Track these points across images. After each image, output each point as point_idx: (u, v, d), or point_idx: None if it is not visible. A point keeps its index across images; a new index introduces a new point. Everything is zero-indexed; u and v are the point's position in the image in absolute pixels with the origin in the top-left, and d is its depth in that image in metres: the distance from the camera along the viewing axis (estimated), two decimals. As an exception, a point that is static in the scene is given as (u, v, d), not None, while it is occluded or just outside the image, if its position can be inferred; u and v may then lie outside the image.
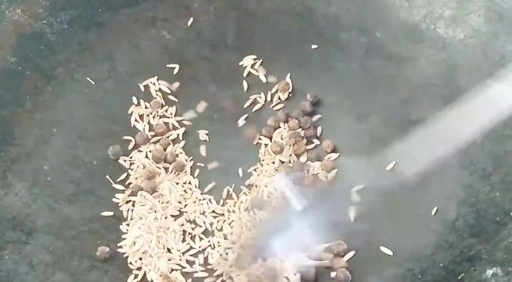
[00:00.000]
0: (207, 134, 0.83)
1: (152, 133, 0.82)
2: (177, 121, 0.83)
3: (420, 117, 0.79)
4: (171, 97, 0.84)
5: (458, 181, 0.75)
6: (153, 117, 0.83)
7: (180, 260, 0.76)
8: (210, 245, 0.77)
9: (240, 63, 0.84)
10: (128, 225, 0.78)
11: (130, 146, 0.82)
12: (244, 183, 0.80)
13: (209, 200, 0.80)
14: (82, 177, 0.80)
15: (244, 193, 0.80)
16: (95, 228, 0.78)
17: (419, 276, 0.72)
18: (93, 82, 0.83)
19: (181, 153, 0.82)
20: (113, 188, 0.80)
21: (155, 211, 0.79)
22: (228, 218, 0.78)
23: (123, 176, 0.81)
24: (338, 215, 0.76)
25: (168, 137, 0.82)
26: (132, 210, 0.79)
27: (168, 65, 0.84)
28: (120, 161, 0.81)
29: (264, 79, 0.84)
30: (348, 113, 0.81)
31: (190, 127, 0.83)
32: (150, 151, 0.81)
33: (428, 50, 0.80)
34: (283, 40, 0.84)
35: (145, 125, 0.82)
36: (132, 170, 0.81)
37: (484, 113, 0.74)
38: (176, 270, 0.76)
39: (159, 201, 0.79)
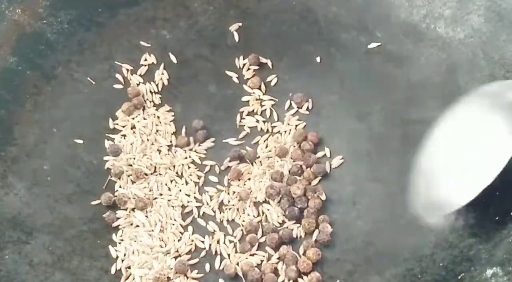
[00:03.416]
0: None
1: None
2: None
3: (420, 118, 0.79)
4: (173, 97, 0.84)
5: (458, 181, 0.75)
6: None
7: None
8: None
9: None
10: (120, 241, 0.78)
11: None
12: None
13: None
14: (82, 177, 0.80)
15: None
16: (95, 228, 0.78)
17: (419, 276, 0.72)
18: (93, 82, 0.83)
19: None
20: (113, 187, 0.80)
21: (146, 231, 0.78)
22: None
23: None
24: None
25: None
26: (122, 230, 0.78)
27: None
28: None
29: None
30: (348, 113, 0.81)
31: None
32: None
33: (428, 50, 0.80)
34: (283, 40, 0.84)
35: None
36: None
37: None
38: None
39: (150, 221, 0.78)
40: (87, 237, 0.77)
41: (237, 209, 0.79)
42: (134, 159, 0.81)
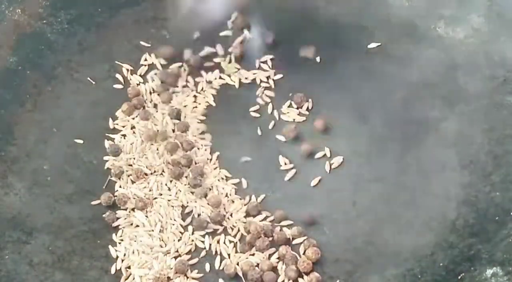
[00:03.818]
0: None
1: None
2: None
3: (420, 117, 0.79)
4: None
5: (458, 181, 0.75)
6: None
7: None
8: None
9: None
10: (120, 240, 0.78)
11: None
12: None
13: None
14: (82, 177, 0.80)
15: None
16: (95, 228, 0.78)
17: (419, 276, 0.72)
18: (93, 82, 0.83)
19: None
20: (113, 187, 0.80)
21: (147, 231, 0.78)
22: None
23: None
24: None
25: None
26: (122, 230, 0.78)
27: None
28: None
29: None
30: (348, 113, 0.81)
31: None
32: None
33: (428, 49, 0.80)
34: (284, 40, 0.84)
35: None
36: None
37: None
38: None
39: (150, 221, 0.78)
40: (87, 237, 0.77)
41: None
42: (134, 159, 0.81)
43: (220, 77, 0.84)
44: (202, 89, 0.84)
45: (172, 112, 0.81)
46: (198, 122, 0.82)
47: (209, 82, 0.84)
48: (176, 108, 0.82)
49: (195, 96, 0.83)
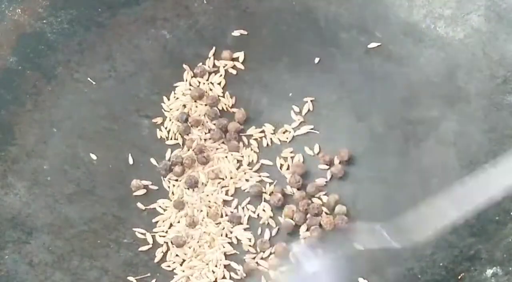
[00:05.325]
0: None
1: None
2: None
3: (420, 117, 0.79)
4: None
5: (458, 181, 0.75)
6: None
7: None
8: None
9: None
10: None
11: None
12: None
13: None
14: (82, 177, 0.80)
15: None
16: (95, 228, 0.78)
17: (419, 276, 0.72)
18: (93, 82, 0.83)
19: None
20: (113, 187, 0.80)
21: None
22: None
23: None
24: None
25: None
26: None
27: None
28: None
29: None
30: (348, 113, 0.81)
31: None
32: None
33: (428, 49, 0.80)
34: (283, 40, 0.84)
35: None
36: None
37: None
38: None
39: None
40: (87, 237, 0.77)
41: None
42: None
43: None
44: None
45: (181, 117, 0.81)
46: (203, 124, 0.82)
47: (210, 83, 0.84)
48: (185, 113, 0.82)
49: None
